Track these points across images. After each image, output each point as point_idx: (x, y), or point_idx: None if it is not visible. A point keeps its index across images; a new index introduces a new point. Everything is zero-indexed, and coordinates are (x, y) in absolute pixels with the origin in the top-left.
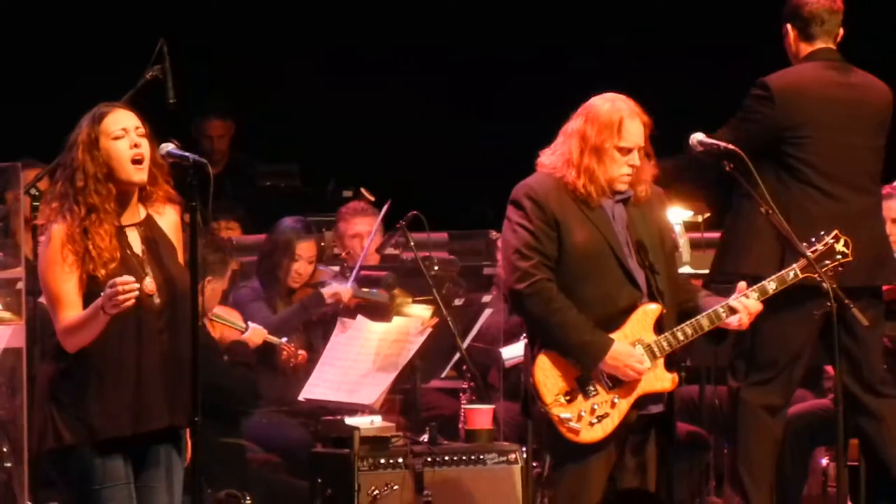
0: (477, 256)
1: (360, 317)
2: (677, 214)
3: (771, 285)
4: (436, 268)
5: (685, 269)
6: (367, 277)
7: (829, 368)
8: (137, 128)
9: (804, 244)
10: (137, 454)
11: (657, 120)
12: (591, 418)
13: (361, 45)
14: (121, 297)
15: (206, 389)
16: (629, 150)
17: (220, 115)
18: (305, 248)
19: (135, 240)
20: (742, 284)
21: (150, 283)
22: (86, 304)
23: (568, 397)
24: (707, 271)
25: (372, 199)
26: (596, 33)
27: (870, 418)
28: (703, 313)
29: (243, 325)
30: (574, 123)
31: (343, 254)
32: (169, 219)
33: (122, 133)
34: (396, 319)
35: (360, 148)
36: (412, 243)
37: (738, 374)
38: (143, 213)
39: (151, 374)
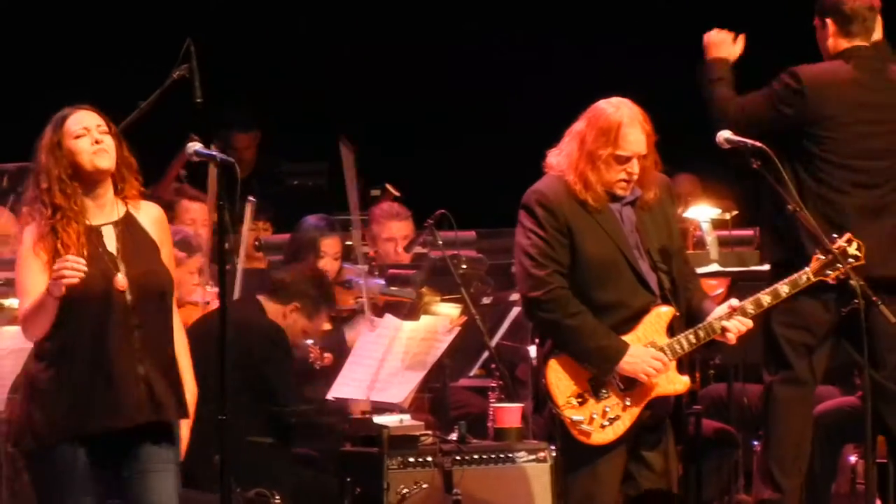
0: (505, 254)
1: (388, 315)
2: (705, 212)
3: (784, 289)
4: (464, 266)
5: (713, 267)
6: (396, 276)
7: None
8: (99, 125)
9: (817, 248)
10: (118, 450)
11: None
12: (603, 420)
13: (389, 40)
14: (64, 272)
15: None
16: (627, 159)
17: (244, 129)
18: (330, 245)
19: (109, 237)
20: (734, 301)
21: (121, 280)
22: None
23: (580, 399)
24: (735, 269)
25: (397, 193)
26: (625, 28)
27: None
28: (701, 325)
29: None
30: (577, 125)
31: (371, 252)
32: (149, 216)
33: (84, 132)
34: (425, 318)
35: (387, 145)
36: (440, 242)
37: (770, 368)
38: (121, 211)
39: (126, 370)
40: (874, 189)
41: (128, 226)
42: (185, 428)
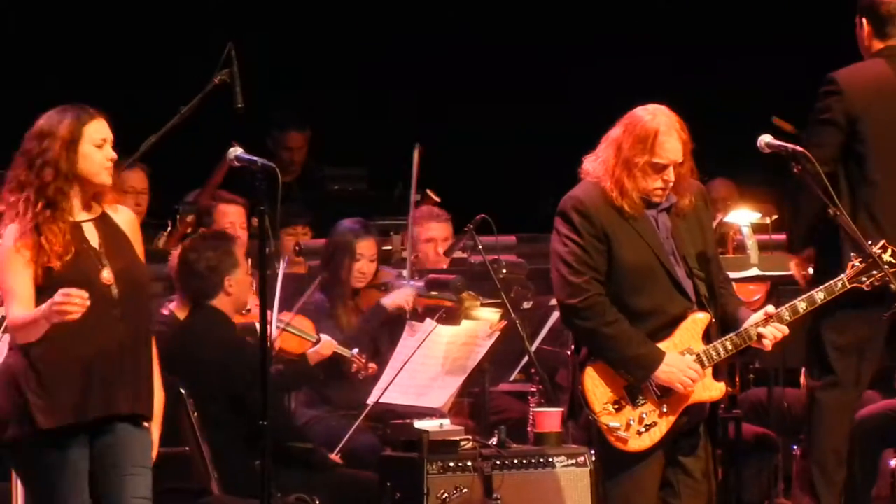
0: (545, 259)
1: (428, 320)
2: (745, 216)
3: (819, 295)
4: (504, 271)
5: (753, 272)
6: (436, 281)
7: None
8: (111, 140)
9: (853, 255)
10: (98, 440)
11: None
12: (640, 427)
13: (425, 45)
14: (67, 308)
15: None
16: (663, 167)
17: (299, 128)
18: (366, 247)
19: (91, 233)
20: (770, 308)
21: (107, 275)
22: (40, 295)
23: (616, 406)
24: (775, 273)
25: (438, 199)
26: (663, 31)
27: None
28: (737, 332)
29: (315, 336)
30: (614, 132)
31: (412, 257)
32: (124, 217)
33: (102, 143)
34: (465, 323)
35: (427, 151)
36: (480, 246)
37: (813, 374)
38: (98, 210)
39: (111, 362)
40: None
41: (105, 223)
42: (156, 431)
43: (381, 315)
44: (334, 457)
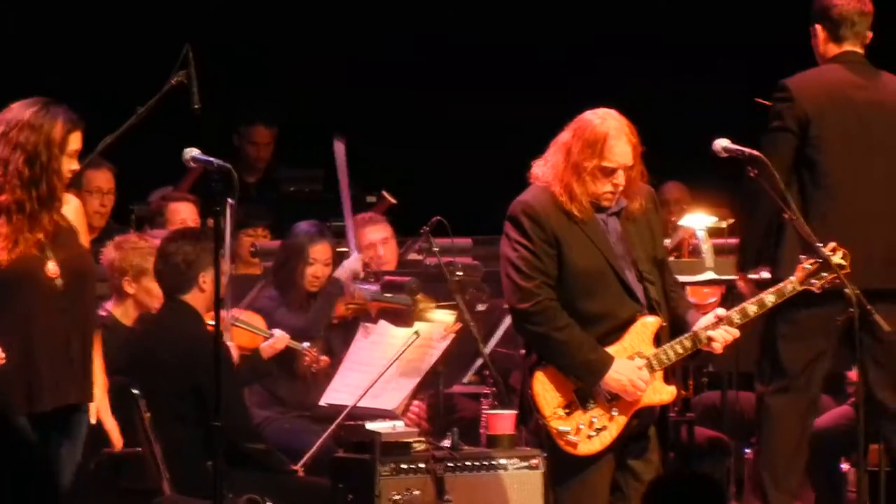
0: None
1: (381, 321)
2: (701, 220)
3: (769, 298)
4: (459, 273)
5: (708, 275)
6: (391, 283)
7: (852, 374)
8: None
9: (803, 256)
10: (47, 428)
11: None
12: (590, 431)
13: (382, 46)
14: None
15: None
16: (613, 171)
17: (266, 123)
18: (320, 252)
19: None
20: (720, 311)
21: (52, 268)
22: None
23: (566, 410)
24: (730, 277)
25: (393, 201)
26: (618, 35)
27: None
28: (687, 335)
29: (268, 332)
30: (563, 136)
31: (366, 259)
32: (70, 205)
33: (74, 154)
34: (419, 324)
35: (383, 152)
36: (436, 248)
37: (763, 379)
38: None
39: (58, 354)
40: (877, 192)
41: None
42: (109, 418)
43: (339, 289)
44: (298, 469)
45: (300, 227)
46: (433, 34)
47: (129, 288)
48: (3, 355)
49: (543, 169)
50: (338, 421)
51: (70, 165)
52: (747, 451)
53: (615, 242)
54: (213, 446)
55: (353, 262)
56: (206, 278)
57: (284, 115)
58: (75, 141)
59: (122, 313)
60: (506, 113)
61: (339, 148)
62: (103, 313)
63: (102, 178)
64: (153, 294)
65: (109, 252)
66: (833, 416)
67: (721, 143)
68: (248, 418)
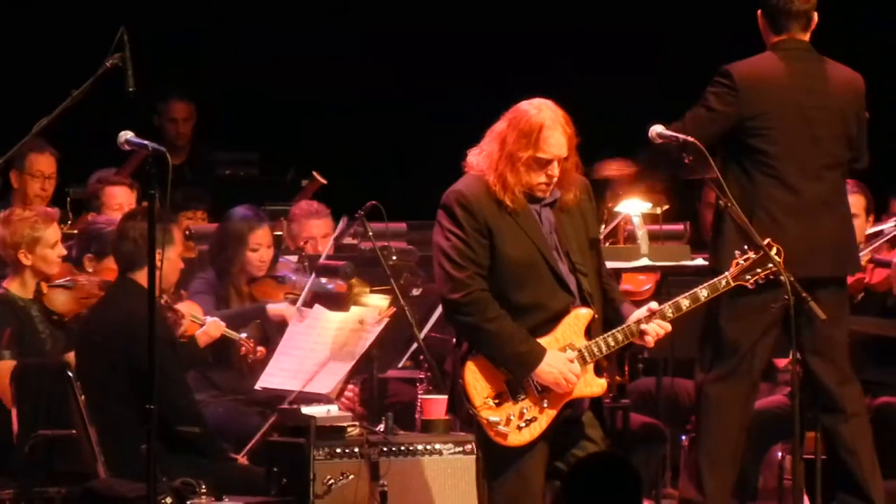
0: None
1: (317, 306)
2: (636, 206)
3: (703, 293)
4: (394, 257)
5: (643, 262)
6: (325, 267)
7: (779, 362)
8: None
9: (737, 252)
10: None
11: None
12: (520, 422)
13: (321, 30)
14: None
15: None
16: (547, 161)
17: (182, 98)
18: (261, 237)
19: None
20: (653, 304)
21: None
22: None
23: (497, 401)
24: (665, 263)
25: (324, 181)
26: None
27: (836, 413)
28: (620, 328)
29: (202, 319)
30: (499, 125)
31: (301, 243)
32: None
33: None
34: (354, 309)
35: (319, 135)
36: (370, 233)
37: (704, 366)
38: None
39: None
40: (820, 181)
41: None
42: None
43: (259, 316)
44: (241, 459)
45: (237, 213)
46: (377, 17)
47: (26, 259)
48: None
49: (478, 158)
50: (282, 406)
51: None
52: (683, 437)
53: (548, 233)
54: (148, 430)
55: (287, 312)
56: (160, 258)
57: (220, 97)
58: None
59: (20, 286)
60: (442, 99)
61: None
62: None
63: (45, 163)
64: (49, 260)
65: None
66: (766, 401)
67: (656, 130)
68: (191, 401)
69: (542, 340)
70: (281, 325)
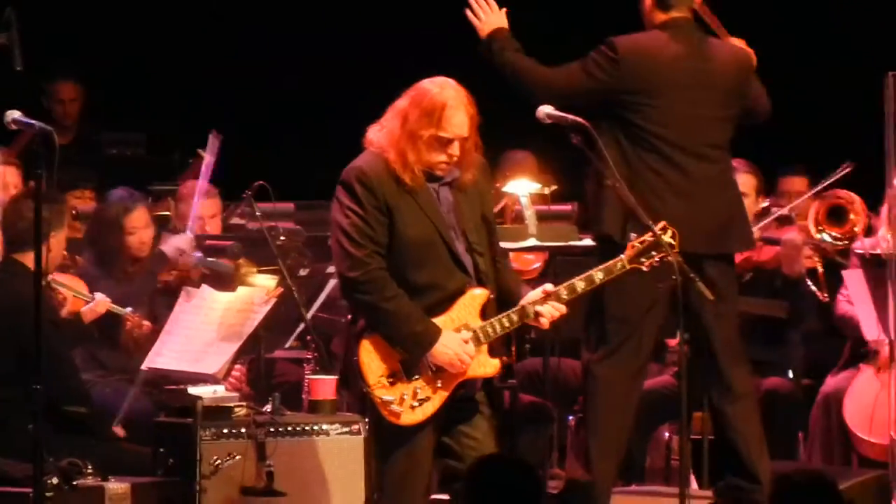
0: (323, 226)
1: (204, 286)
2: (524, 186)
3: (598, 276)
4: (281, 238)
5: (531, 242)
6: (212, 247)
7: (670, 342)
8: None
9: (633, 235)
10: None
11: None
12: (413, 402)
13: (208, 7)
14: None
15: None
16: (449, 141)
17: (70, 78)
18: (137, 219)
19: None
20: (548, 286)
21: None
22: None
23: (391, 380)
24: (553, 243)
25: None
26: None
27: (724, 393)
28: (514, 309)
29: (88, 296)
30: (400, 102)
31: (189, 223)
32: None
33: None
34: (241, 289)
35: (206, 115)
36: (258, 213)
37: (590, 346)
38: None
39: None
40: (705, 160)
41: None
42: None
43: (162, 262)
44: (117, 429)
45: (112, 197)
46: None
47: None
48: None
49: (378, 135)
50: (168, 387)
51: None
52: (570, 417)
53: (446, 213)
54: (36, 409)
55: (181, 240)
56: (55, 239)
57: (107, 77)
58: None
59: None
60: (330, 80)
61: (213, 143)
62: None
63: None
64: None
65: None
66: (653, 382)
67: (545, 110)
68: (78, 381)
69: (438, 320)
70: (170, 304)
